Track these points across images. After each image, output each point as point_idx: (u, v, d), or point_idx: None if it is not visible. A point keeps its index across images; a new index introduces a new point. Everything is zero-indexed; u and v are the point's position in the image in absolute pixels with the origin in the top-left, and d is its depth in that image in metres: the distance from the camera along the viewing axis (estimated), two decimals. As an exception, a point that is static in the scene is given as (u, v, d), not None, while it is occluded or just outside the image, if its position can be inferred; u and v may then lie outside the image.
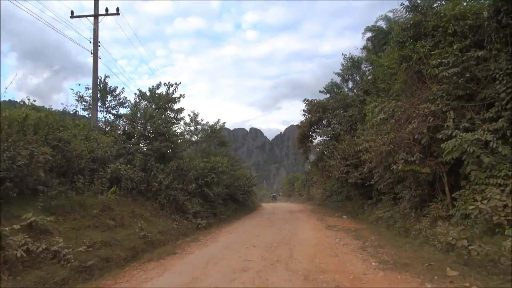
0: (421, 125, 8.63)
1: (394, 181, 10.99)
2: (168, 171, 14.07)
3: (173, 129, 15.45)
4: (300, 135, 20.68)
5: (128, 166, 12.11)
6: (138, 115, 14.42)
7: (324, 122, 19.73)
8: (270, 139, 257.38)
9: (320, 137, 19.95)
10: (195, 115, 23.12)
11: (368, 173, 13.43)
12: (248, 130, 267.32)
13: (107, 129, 14.35)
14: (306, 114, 20.29)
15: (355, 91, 19.78)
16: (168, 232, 11.99)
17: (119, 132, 14.18)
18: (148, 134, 14.54)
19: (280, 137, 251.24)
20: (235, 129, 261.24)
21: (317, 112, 19.36)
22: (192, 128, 23.19)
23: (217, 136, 23.69)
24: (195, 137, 23.25)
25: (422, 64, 9.37)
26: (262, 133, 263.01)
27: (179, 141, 15.57)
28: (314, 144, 20.40)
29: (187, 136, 22.60)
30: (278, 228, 12.90)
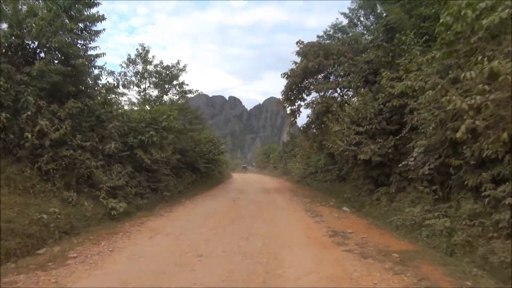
0: None
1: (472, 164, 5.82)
2: (63, 116, 8.10)
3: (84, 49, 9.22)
4: (288, 88, 14.96)
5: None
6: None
7: (325, 72, 13.99)
8: (249, 109, 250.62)
9: (319, 93, 14.29)
10: (145, 51, 16.60)
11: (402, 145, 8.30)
12: (227, 98, 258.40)
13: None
14: (300, 59, 14.39)
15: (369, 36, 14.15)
16: (39, 224, 6.38)
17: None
18: (30, 47, 8.33)
19: (259, 108, 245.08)
20: (213, 96, 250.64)
21: (315, 56, 13.60)
22: (139, 68, 16.78)
23: (174, 84, 17.48)
24: (145, 81, 16.95)
25: None
26: (240, 102, 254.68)
27: (95, 70, 9.39)
28: (307, 102, 14.64)
29: (132, 78, 16.33)
30: (245, 231, 7.48)
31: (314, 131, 15.44)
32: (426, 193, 7.88)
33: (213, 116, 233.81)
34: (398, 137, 9.50)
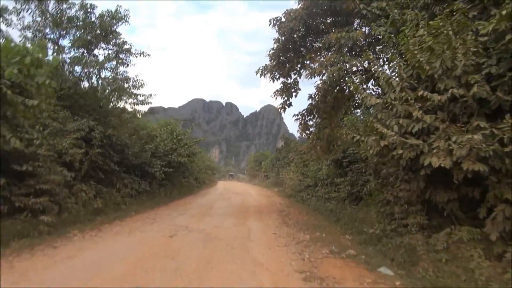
0: None
1: None
2: None
3: None
4: (279, 46, 9.01)
5: None
6: None
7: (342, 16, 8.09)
8: (245, 116, 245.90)
9: (330, 50, 8.30)
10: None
11: None
12: (224, 104, 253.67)
13: None
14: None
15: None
16: None
17: None
18: None
19: (255, 115, 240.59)
20: (210, 101, 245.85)
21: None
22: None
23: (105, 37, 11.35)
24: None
25: None
26: (237, 109, 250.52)
27: None
28: (315, 67, 8.16)
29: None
30: None
31: (319, 120, 9.63)
32: None
33: (209, 122, 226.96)
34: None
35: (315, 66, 7.91)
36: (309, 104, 9.46)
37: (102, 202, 9.25)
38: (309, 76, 7.94)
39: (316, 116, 9.65)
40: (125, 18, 11.37)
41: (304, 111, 9.76)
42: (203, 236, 7.41)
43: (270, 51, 9.22)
